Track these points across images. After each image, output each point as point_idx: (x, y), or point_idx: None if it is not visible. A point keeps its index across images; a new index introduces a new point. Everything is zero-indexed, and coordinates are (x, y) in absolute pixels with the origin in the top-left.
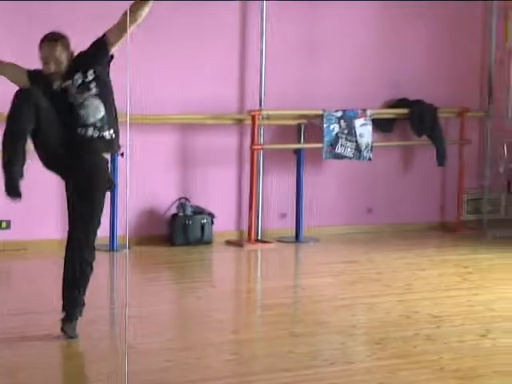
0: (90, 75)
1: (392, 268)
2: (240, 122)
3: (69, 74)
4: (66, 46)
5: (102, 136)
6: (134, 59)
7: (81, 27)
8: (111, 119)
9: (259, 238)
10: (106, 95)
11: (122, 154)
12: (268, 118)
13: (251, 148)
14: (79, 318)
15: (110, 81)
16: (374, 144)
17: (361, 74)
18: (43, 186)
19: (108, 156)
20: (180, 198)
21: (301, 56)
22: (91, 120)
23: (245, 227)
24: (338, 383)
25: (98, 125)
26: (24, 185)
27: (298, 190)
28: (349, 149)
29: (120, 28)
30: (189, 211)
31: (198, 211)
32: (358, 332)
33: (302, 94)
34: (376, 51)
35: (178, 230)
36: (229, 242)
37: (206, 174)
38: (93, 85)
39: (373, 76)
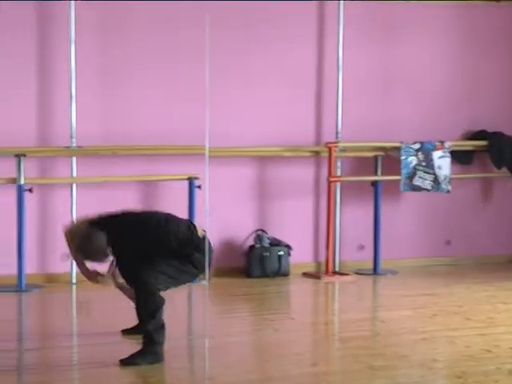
0: None
1: (473, 301)
2: (317, 154)
3: None
4: None
5: None
6: (213, 92)
7: None
8: None
9: (337, 269)
10: None
11: (200, 187)
12: (345, 150)
13: (328, 180)
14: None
15: None
16: (453, 176)
17: (439, 105)
18: None
19: None
20: (257, 230)
21: (378, 87)
22: None
23: (322, 259)
24: None
25: None
26: None
27: (376, 222)
28: (427, 181)
29: None
30: (266, 243)
31: (275, 243)
32: (439, 366)
33: (379, 126)
34: (455, 83)
35: (255, 262)
36: (306, 274)
37: (283, 205)
38: None
39: (451, 108)
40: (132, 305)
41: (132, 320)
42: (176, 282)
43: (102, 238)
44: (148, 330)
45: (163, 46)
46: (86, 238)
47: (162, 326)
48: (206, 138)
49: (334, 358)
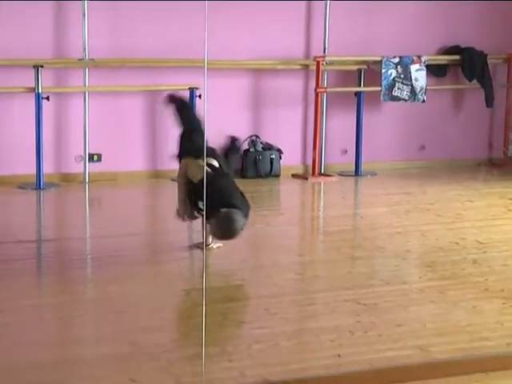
0: None
1: (443, 199)
2: (306, 67)
3: None
4: None
5: None
6: (212, 10)
7: None
8: None
9: (322, 171)
10: None
11: (200, 96)
12: (331, 63)
13: (316, 91)
14: None
15: None
16: (428, 87)
17: (417, 22)
18: (132, 122)
19: None
20: (251, 136)
21: (361, 6)
22: None
23: (309, 162)
24: (394, 301)
25: None
26: (115, 121)
27: (358, 129)
28: (405, 92)
29: None
30: (259, 147)
31: (268, 147)
32: (412, 256)
33: (362, 42)
34: (430, 2)
35: (250, 164)
36: (295, 175)
37: (275, 114)
38: None
39: (428, 25)
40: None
41: (137, 216)
42: None
43: None
44: None
45: None
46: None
47: None
48: (205, 51)
49: (319, 249)
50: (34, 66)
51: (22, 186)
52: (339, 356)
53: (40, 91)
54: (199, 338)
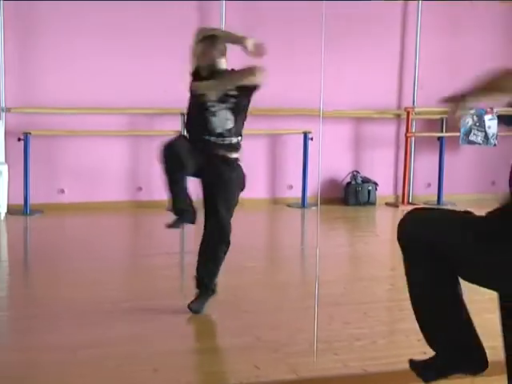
0: (232, 91)
1: None
2: (398, 116)
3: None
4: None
5: (230, 143)
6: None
7: None
8: (238, 128)
9: (410, 201)
10: (238, 111)
11: (312, 139)
12: (419, 113)
13: (406, 135)
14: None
15: (247, 104)
16: (499, 134)
17: None
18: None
19: (236, 156)
20: (353, 171)
21: (446, 68)
22: (219, 130)
23: (400, 193)
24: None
25: (226, 134)
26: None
27: (440, 167)
28: (479, 137)
29: None
30: (359, 180)
31: (366, 180)
32: None
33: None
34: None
35: (351, 194)
36: (388, 204)
37: (372, 153)
38: (231, 100)
39: None
40: None
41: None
42: None
43: None
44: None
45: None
46: None
47: None
48: (320, 103)
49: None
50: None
51: None
52: (425, 353)
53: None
54: (311, 335)
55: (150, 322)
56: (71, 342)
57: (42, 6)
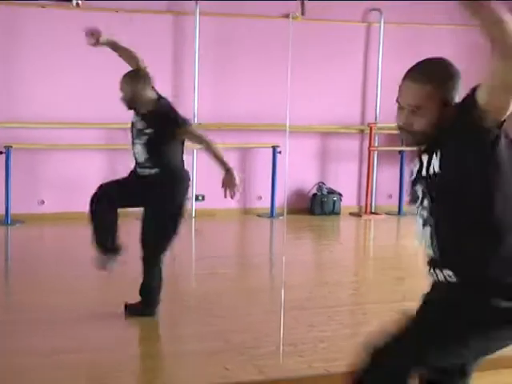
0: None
1: None
2: (361, 131)
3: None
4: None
5: (149, 173)
6: (294, 83)
7: None
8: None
9: (373, 211)
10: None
11: (280, 152)
12: (381, 128)
13: (369, 149)
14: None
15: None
16: None
17: None
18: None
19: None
20: (319, 183)
21: None
22: (140, 160)
23: (363, 203)
24: None
25: (147, 165)
26: (216, 171)
27: (401, 179)
28: None
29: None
30: (325, 191)
31: (331, 191)
32: None
33: None
34: None
35: (317, 205)
36: (352, 214)
37: (337, 166)
38: (147, 131)
39: None
40: None
41: (230, 242)
42: None
43: None
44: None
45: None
46: None
47: None
48: (287, 118)
49: (370, 270)
50: None
51: None
52: None
53: None
54: (278, 338)
55: (125, 327)
56: (47, 347)
57: (23, 21)
